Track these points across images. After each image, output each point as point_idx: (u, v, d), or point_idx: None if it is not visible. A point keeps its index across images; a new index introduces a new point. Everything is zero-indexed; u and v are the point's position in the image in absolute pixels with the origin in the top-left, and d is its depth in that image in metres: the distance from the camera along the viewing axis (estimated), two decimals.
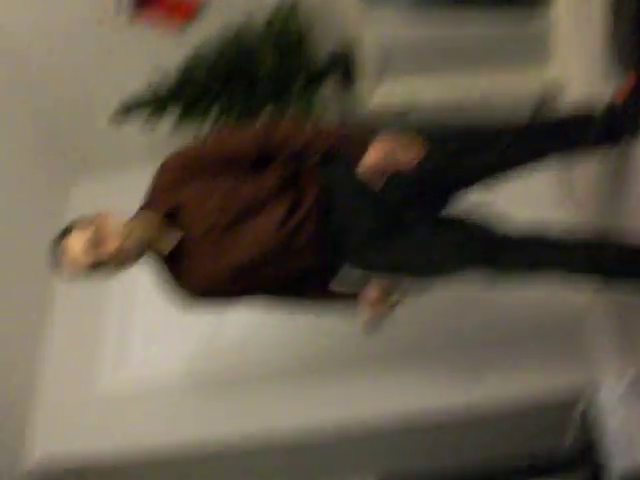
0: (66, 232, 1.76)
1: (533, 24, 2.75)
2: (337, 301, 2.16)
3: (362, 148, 1.82)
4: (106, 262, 1.73)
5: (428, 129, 2.03)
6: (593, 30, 2.27)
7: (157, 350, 3.11)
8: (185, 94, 2.74)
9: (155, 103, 2.79)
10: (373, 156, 1.80)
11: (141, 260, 1.86)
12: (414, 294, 2.10)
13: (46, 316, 3.26)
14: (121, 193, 3.37)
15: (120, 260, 1.76)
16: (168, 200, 1.89)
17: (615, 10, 2.07)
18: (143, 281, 3.09)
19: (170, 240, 1.89)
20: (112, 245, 1.72)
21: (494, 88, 2.80)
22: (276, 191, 1.90)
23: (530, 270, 2.04)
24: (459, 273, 2.05)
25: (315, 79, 2.84)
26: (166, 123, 2.95)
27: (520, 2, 2.76)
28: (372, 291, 2.00)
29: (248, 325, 3.03)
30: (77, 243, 1.71)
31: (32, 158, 3.46)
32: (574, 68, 2.60)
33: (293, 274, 2.04)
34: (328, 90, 2.99)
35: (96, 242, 1.70)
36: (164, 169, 1.92)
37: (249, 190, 1.89)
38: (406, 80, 2.85)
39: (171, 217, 1.89)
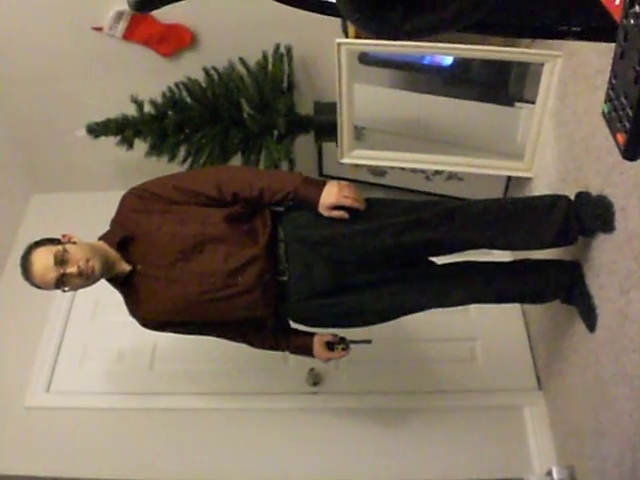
0: (33, 247, 1.88)
1: (510, 117, 2.81)
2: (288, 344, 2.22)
3: (318, 191, 1.94)
4: (69, 279, 1.86)
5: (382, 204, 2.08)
6: (568, 131, 2.33)
7: (92, 369, 3.05)
8: (154, 129, 2.73)
9: (122, 131, 2.78)
10: (330, 193, 1.93)
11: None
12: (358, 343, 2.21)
13: None
14: (81, 209, 3.37)
15: (82, 279, 1.88)
16: (121, 232, 1.98)
17: None
18: (84, 299, 3.08)
19: (123, 269, 1.98)
20: (73, 266, 1.85)
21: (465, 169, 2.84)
22: (223, 230, 1.95)
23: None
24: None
25: (294, 127, 2.85)
26: (138, 150, 2.93)
27: (501, 95, 2.82)
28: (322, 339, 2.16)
29: (189, 349, 2.98)
30: (43, 259, 1.84)
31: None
32: (545, 162, 2.65)
33: (238, 314, 2.05)
34: (304, 140, 3.01)
35: (61, 261, 1.84)
36: (122, 202, 2.01)
37: (194, 229, 1.94)
38: (380, 147, 2.89)
39: (123, 249, 1.97)
